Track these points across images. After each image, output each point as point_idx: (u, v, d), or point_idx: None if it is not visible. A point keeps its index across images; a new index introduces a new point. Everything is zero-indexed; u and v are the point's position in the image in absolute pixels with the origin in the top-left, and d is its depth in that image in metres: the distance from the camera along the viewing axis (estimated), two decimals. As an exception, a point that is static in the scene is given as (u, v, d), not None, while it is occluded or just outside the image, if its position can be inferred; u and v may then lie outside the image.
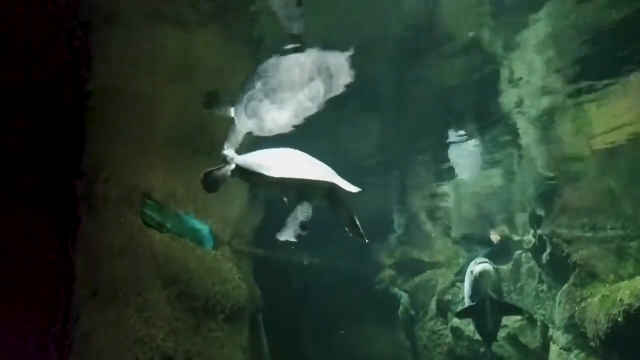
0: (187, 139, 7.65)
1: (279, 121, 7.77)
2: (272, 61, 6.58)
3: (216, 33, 5.86)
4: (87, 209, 6.15)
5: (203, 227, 9.02)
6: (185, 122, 7.35)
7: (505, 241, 11.73)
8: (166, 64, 6.22)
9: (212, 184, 5.61)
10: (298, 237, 4.95)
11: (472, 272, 8.72)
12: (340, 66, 6.82)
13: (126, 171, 7.22)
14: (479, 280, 8.54)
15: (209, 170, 5.56)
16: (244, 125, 7.61)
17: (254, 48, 6.35)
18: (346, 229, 5.34)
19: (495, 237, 10.56)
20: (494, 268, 8.65)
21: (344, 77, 7.01)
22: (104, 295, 6.32)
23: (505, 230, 11.92)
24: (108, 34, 5.33)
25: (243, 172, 5.54)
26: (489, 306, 8.58)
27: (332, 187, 5.12)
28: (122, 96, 6.25)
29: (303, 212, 5.04)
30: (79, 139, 5.18)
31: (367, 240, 5.26)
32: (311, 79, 7.10)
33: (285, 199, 5.63)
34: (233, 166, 5.62)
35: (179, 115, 7.17)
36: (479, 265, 8.66)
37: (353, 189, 5.05)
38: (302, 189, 5.15)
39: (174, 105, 6.94)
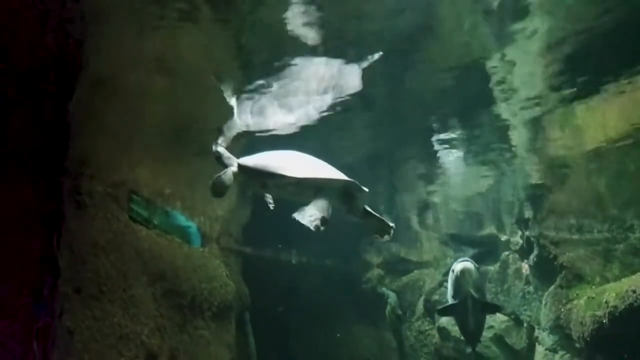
0: (174, 135, 7.61)
1: (280, 124, 7.90)
2: (293, 67, 6.57)
3: (209, 31, 5.82)
4: (72, 205, 6.10)
5: (190, 224, 8.98)
6: (173, 118, 7.30)
7: (493, 241, 11.81)
8: (155, 59, 6.16)
9: (220, 189, 5.61)
10: (315, 227, 4.98)
11: (453, 270, 8.77)
12: (352, 79, 6.94)
13: (112, 167, 7.17)
14: (460, 278, 8.59)
15: (216, 176, 5.56)
16: (244, 121, 7.64)
17: (247, 48, 6.30)
18: (364, 224, 5.43)
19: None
20: (475, 267, 8.68)
21: (353, 88, 7.15)
22: (89, 291, 6.26)
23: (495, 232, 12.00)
24: (96, 27, 5.27)
25: (253, 173, 5.53)
26: (470, 304, 8.60)
27: (347, 185, 5.21)
28: (109, 91, 6.19)
29: (322, 207, 5.08)
30: (65, 134, 5.13)
31: (392, 225, 5.36)
32: (324, 92, 7.26)
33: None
34: (234, 168, 5.63)
35: (166, 111, 7.12)
36: (460, 264, 8.71)
37: (364, 188, 5.18)
38: (320, 188, 5.21)
39: (162, 100, 6.89)
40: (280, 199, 5.88)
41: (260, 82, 6.85)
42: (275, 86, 6.96)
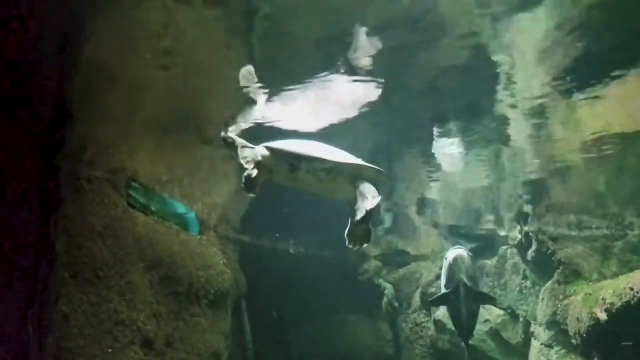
0: (174, 121, 7.55)
1: (301, 124, 7.92)
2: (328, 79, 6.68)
3: (211, 15, 5.75)
4: (70, 190, 6.08)
5: (188, 212, 8.97)
6: (173, 104, 7.25)
7: (491, 236, 11.81)
8: (154, 44, 6.10)
9: (251, 185, 5.48)
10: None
11: (446, 258, 8.73)
12: (375, 92, 7.10)
13: (111, 152, 7.14)
14: (452, 265, 8.52)
15: (247, 174, 5.43)
16: (267, 112, 7.60)
17: (252, 36, 6.23)
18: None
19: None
20: (468, 255, 8.63)
21: (374, 100, 7.32)
22: (85, 276, 6.26)
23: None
24: (94, 12, 5.21)
25: (288, 157, 5.37)
26: (462, 293, 8.51)
27: (377, 174, 5.21)
28: (108, 76, 6.13)
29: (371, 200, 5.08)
30: (64, 119, 5.10)
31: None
32: (350, 108, 7.44)
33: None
34: (259, 157, 5.45)
35: (166, 96, 7.07)
36: (453, 251, 8.66)
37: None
38: (353, 175, 5.19)
39: (162, 86, 6.83)
40: (289, 189, 5.81)
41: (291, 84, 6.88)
42: (307, 91, 6.98)
